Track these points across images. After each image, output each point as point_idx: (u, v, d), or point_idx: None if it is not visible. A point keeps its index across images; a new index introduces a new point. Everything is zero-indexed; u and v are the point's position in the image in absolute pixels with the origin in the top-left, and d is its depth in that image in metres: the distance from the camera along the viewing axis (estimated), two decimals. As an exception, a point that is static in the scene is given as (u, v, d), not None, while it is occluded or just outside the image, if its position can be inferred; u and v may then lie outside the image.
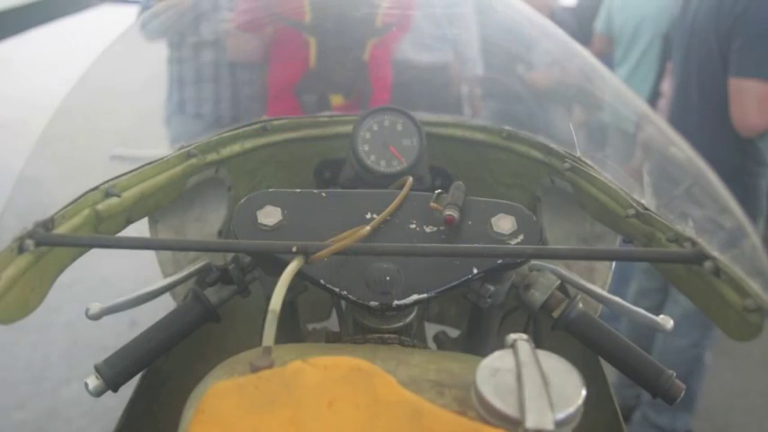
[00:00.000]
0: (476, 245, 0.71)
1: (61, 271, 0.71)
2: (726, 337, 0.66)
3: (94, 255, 0.73)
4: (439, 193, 0.76)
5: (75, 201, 0.72)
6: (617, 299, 0.76)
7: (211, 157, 0.91)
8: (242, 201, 0.75)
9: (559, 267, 0.79)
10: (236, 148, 0.95)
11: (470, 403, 0.49)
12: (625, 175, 0.83)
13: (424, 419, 0.46)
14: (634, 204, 0.76)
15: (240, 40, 1.89)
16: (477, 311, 0.86)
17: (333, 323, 0.99)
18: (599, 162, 0.86)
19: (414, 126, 0.94)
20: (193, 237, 0.92)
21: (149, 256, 0.87)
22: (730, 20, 1.80)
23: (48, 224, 0.67)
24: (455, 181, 0.79)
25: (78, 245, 0.71)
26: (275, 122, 1.00)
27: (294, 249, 0.63)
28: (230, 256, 0.79)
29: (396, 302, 0.67)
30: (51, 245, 0.67)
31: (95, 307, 0.70)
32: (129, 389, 0.75)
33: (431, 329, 1.03)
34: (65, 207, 0.71)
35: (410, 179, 0.81)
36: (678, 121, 2.03)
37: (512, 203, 0.76)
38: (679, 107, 2.08)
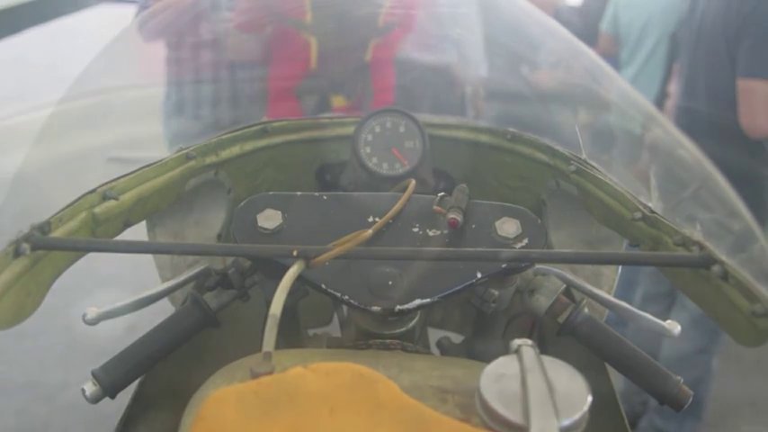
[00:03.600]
0: (479, 249, 0.70)
1: (58, 275, 0.70)
2: (734, 342, 0.65)
3: (92, 258, 0.73)
4: (442, 196, 0.75)
5: (72, 204, 0.71)
6: (623, 303, 0.75)
7: (210, 159, 0.91)
8: (241, 204, 0.74)
9: (565, 271, 0.78)
10: (235, 150, 0.95)
11: (474, 410, 0.48)
12: (631, 177, 0.82)
13: (426, 426, 0.46)
14: (640, 207, 0.75)
15: (240, 41, 1.88)
16: (481, 316, 0.85)
17: (334, 328, 0.98)
18: (605, 164, 0.85)
19: (416, 128, 0.93)
20: (192, 240, 0.92)
21: (147, 259, 0.86)
22: (739, 19, 1.78)
23: (44, 227, 0.66)
24: (458, 183, 0.78)
25: (75, 248, 0.70)
26: (275, 124, 1.00)
27: (295, 253, 0.62)
28: (230, 260, 0.78)
29: (398, 307, 0.66)
30: (48, 248, 0.66)
31: (92, 312, 0.69)
32: (126, 395, 0.74)
33: (434, 335, 1.02)
34: (61, 210, 0.70)
35: (413, 182, 0.81)
36: (685, 122, 2.02)
37: (516, 206, 0.75)
38: (686, 109, 2.06)
